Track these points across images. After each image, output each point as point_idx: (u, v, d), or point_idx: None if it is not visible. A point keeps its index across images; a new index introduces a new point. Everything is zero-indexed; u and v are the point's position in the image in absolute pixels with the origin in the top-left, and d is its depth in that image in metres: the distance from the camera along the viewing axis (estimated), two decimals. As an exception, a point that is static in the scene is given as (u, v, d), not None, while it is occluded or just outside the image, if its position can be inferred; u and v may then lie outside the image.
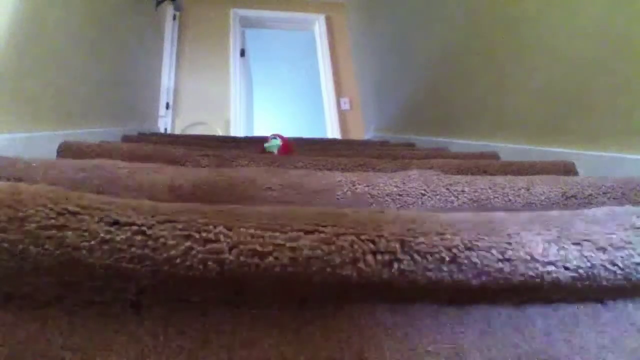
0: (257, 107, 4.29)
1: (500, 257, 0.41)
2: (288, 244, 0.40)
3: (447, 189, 0.76)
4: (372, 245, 0.41)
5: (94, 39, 1.45)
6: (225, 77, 3.63)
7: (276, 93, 4.60)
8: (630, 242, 0.43)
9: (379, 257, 0.41)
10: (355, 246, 0.41)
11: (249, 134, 3.63)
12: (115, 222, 0.39)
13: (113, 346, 0.38)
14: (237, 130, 3.45)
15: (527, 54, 1.26)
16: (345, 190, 0.72)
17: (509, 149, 1.34)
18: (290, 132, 3.16)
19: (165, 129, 3.21)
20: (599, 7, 0.98)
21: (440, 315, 0.44)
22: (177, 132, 3.31)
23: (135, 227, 0.39)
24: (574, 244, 0.42)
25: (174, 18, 3.56)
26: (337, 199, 0.72)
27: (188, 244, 0.39)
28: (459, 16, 1.69)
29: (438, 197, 0.75)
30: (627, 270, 0.42)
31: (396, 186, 0.74)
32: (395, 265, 0.41)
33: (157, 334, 0.39)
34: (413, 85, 2.21)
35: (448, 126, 1.81)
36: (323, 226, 0.42)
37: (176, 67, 3.53)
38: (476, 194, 0.75)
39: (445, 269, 0.41)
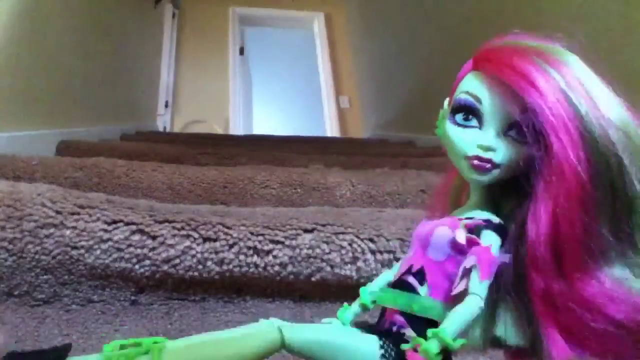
0: (256, 105, 4.28)
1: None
2: (287, 242, 0.40)
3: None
4: (371, 244, 0.41)
5: (93, 38, 1.44)
6: (224, 75, 3.62)
7: (275, 91, 4.59)
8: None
9: (378, 256, 0.41)
10: (355, 245, 0.41)
11: (249, 132, 3.62)
12: (114, 222, 0.39)
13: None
14: (237, 128, 3.44)
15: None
16: (344, 189, 0.72)
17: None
18: (289, 131, 3.15)
19: (164, 128, 3.20)
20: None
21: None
22: (176, 130, 3.30)
23: (133, 227, 0.39)
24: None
25: (173, 16, 3.55)
26: (337, 197, 0.72)
27: (187, 243, 0.39)
28: (460, 12, 1.68)
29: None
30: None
31: (395, 185, 0.74)
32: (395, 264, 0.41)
33: (157, 332, 0.39)
34: (413, 82, 2.21)
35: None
36: (322, 225, 0.41)
37: (175, 66, 3.52)
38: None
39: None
